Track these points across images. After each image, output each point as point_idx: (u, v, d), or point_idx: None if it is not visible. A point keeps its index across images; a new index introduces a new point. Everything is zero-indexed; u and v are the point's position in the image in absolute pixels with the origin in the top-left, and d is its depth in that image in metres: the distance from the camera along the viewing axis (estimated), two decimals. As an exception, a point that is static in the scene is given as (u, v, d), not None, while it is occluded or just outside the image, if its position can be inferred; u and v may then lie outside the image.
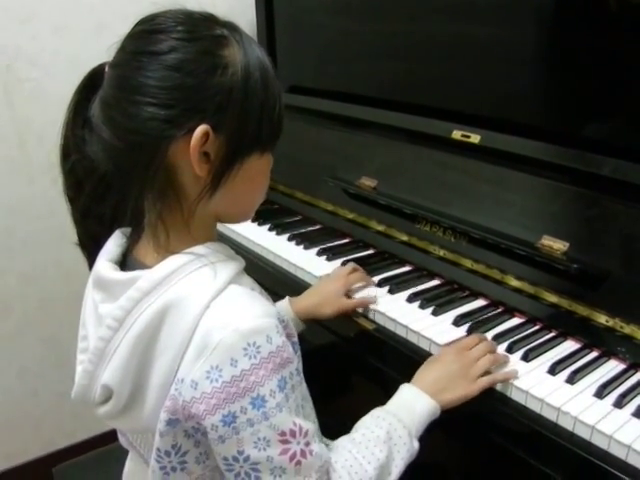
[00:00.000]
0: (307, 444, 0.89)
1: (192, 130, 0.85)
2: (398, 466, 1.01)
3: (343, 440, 1.03)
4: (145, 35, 0.88)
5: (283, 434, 0.86)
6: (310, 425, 0.91)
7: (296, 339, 1.00)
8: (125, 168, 0.90)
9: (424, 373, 1.16)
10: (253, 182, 0.97)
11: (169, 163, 0.88)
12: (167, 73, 0.85)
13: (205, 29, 0.89)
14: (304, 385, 0.96)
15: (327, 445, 1.10)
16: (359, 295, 1.45)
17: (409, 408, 1.08)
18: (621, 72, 1.31)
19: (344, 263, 1.60)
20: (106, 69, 0.92)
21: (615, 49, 1.30)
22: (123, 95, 0.87)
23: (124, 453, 1.19)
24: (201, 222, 0.95)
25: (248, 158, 0.92)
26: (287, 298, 1.43)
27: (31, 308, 2.23)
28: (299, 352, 1.00)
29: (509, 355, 1.22)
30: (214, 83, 0.86)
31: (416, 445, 1.04)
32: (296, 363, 0.91)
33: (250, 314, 0.86)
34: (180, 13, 0.90)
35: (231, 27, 0.92)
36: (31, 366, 2.29)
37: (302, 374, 0.95)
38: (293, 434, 0.87)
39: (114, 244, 1.01)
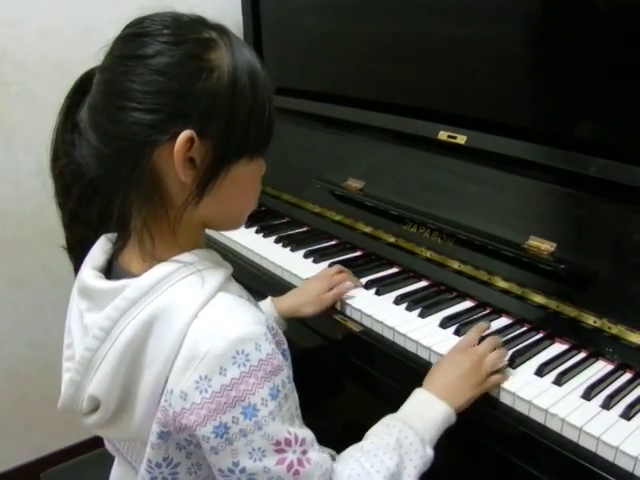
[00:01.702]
0: (304, 452, 0.87)
1: (177, 135, 0.83)
2: (410, 475, 0.98)
3: (351, 449, 1.00)
4: (132, 38, 0.87)
5: (278, 443, 0.84)
6: (307, 433, 0.89)
7: (286, 346, 0.98)
8: (111, 173, 0.88)
9: (435, 376, 1.13)
10: (242, 189, 0.95)
11: (154, 169, 0.86)
12: (152, 77, 0.84)
13: (192, 32, 0.87)
14: (296, 393, 0.94)
15: (333, 456, 1.09)
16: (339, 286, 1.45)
17: (421, 414, 1.05)
18: (607, 72, 1.30)
19: (331, 265, 1.59)
20: (96, 74, 0.90)
21: (602, 49, 1.30)
22: (109, 100, 0.86)
23: (112, 458, 1.18)
24: (188, 229, 0.93)
25: (235, 164, 0.90)
26: (270, 297, 1.42)
27: (20, 312, 2.22)
28: (289, 360, 0.98)
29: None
30: (199, 87, 0.84)
31: (430, 453, 1.01)
32: (287, 371, 0.89)
33: (238, 322, 0.85)
34: (168, 16, 0.88)
35: (220, 30, 0.90)
36: (20, 371, 2.28)
37: (293, 382, 0.93)
38: (288, 443, 0.85)
39: (99, 251, 0.99)
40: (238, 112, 0.87)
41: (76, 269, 1.02)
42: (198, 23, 0.90)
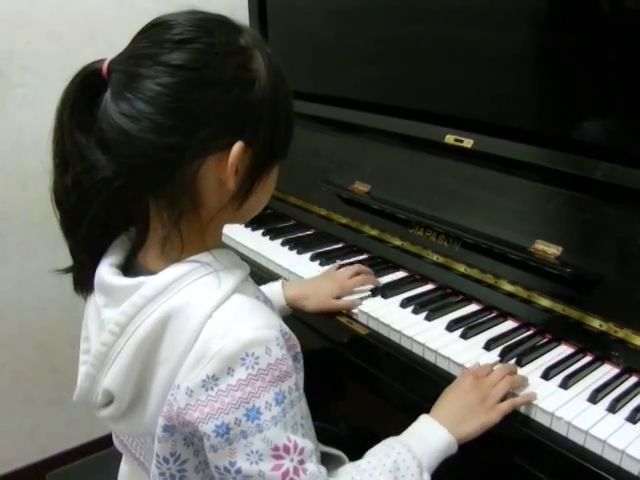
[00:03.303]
0: (301, 462, 0.86)
1: (226, 146, 0.85)
2: None
3: (348, 466, 0.99)
4: (170, 46, 0.84)
5: (276, 449, 0.84)
6: (308, 444, 0.88)
7: (299, 349, 0.98)
8: (145, 180, 0.88)
9: (441, 405, 1.10)
10: (271, 188, 0.97)
11: (196, 177, 0.87)
12: (203, 90, 0.83)
13: (229, 38, 0.87)
14: (304, 401, 0.93)
15: (342, 458, 1.09)
16: (350, 298, 1.45)
17: (422, 439, 1.03)
18: (613, 75, 1.30)
19: (340, 267, 1.59)
20: (117, 75, 0.86)
21: (607, 52, 1.30)
22: (154, 110, 0.83)
23: (118, 458, 1.18)
24: (215, 229, 0.96)
25: (275, 166, 0.94)
26: (281, 281, 1.43)
27: (25, 314, 2.22)
28: (302, 362, 0.98)
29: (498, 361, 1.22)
30: (250, 99, 0.86)
31: (426, 479, 0.98)
32: (295, 377, 0.88)
33: (251, 325, 0.86)
34: (199, 20, 0.87)
35: (246, 32, 0.90)
36: (26, 372, 2.27)
37: (302, 389, 0.93)
38: (287, 450, 0.85)
39: (118, 248, 0.99)
40: (279, 117, 0.90)
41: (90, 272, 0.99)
42: (227, 25, 0.89)
